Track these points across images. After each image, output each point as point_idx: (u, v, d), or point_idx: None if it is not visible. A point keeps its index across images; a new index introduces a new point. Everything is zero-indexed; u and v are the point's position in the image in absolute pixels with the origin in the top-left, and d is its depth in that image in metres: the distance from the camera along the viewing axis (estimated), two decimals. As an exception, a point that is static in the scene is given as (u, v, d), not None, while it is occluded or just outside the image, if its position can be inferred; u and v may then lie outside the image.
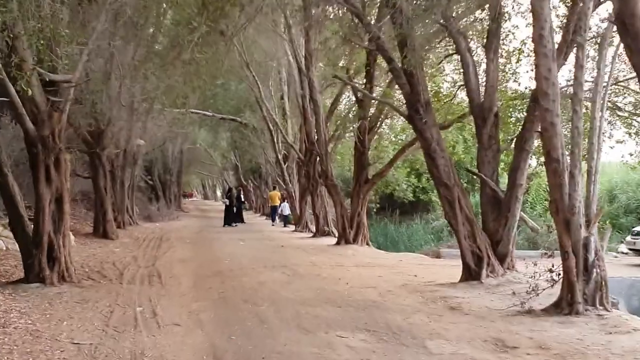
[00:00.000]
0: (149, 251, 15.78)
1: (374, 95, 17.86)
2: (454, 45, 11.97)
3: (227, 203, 29.30)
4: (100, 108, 15.64)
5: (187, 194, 73.66)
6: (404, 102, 11.35)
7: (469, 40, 12.00)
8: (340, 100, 22.49)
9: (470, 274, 10.62)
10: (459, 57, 11.84)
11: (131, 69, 15.00)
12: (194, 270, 12.53)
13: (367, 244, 18.98)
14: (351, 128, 20.25)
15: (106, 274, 11.10)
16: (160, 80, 15.59)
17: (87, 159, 19.36)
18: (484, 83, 11.24)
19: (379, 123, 18.58)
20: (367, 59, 17.44)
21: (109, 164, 21.80)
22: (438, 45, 13.07)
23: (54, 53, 8.54)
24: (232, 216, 28.97)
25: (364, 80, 18.17)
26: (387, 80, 17.56)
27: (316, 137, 19.82)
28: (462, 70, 11.95)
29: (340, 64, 18.47)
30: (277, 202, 29.46)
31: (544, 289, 8.47)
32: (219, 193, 76.17)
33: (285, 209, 29.29)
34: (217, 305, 8.74)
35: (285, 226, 28.64)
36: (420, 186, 31.76)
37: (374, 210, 30.51)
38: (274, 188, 30.99)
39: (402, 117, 18.03)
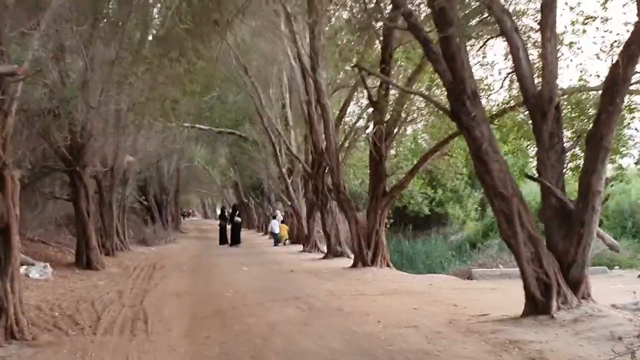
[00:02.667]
0: (138, 283, 13.56)
1: (389, 98, 15.77)
2: (496, 26, 9.83)
3: (224, 225, 27.95)
4: (78, 118, 13.52)
5: (186, 213, 71.62)
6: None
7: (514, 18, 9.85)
8: (350, 104, 20.33)
9: (536, 306, 8.38)
10: (505, 39, 9.69)
11: (110, 70, 12.96)
12: (190, 308, 10.30)
13: (388, 265, 16.76)
14: (364, 135, 18.13)
15: (78, 320, 8.85)
16: (147, 84, 13.55)
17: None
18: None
19: (397, 128, 16.38)
20: (382, 55, 15.33)
21: (96, 184, 19.71)
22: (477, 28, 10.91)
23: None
24: (234, 236, 27.36)
25: (378, 80, 16.04)
26: (408, 76, 15.45)
27: (325, 146, 17.64)
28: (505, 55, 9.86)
29: (349, 64, 16.31)
30: (286, 235, 27.57)
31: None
32: (218, 211, 74.37)
33: (275, 226, 27.40)
34: (218, 366, 6.54)
35: (275, 245, 26.88)
36: (437, 198, 29.55)
37: (387, 225, 28.35)
38: (282, 222, 28.89)
39: (422, 119, 16.02)
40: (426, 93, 13.23)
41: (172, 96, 12.96)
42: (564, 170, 9.16)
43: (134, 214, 32.46)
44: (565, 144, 9.11)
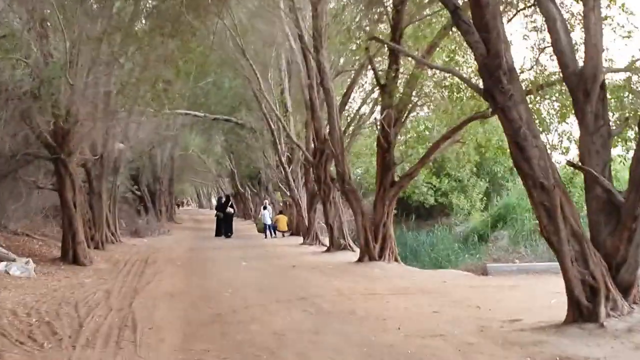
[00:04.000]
0: (128, 281, 12.44)
1: (400, 80, 14.68)
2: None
3: (221, 216, 26.81)
4: (62, 101, 12.36)
5: (180, 203, 70.59)
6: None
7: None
8: (354, 88, 19.17)
9: (581, 313, 7.32)
10: (539, 9, 8.59)
11: (98, 48, 11.80)
12: (184, 312, 9.20)
13: (396, 259, 15.70)
14: (370, 121, 17.03)
15: (57, 329, 7.71)
16: (138, 64, 12.39)
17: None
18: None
19: (407, 113, 15.26)
20: (392, 34, 14.21)
21: (85, 173, 18.59)
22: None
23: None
24: (228, 227, 26.53)
25: (387, 62, 14.95)
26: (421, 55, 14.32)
27: (328, 133, 16.50)
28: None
29: (357, 42, 15.17)
30: (285, 228, 26.44)
31: None
32: (214, 201, 73.47)
33: (266, 217, 26.37)
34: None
35: (266, 237, 25.87)
36: (442, 189, 28.44)
37: (392, 216, 27.36)
38: (280, 212, 27.66)
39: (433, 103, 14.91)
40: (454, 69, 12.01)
41: (165, 77, 11.79)
42: (611, 156, 8.07)
43: (126, 204, 31.33)
44: (612, 127, 8.04)
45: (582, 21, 9.28)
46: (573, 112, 8.26)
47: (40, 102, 11.66)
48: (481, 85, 7.75)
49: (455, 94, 12.52)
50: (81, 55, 12.79)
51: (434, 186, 28.16)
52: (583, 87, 7.74)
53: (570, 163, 8.07)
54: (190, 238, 26.21)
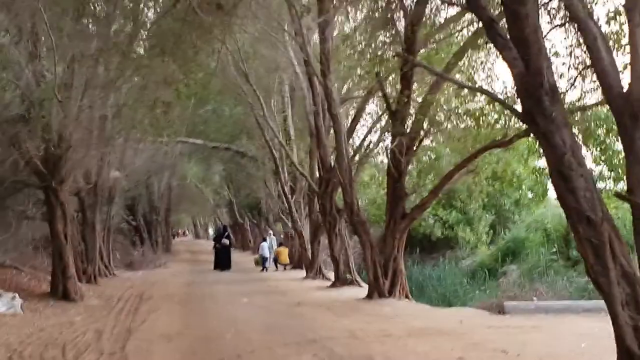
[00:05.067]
0: (121, 320, 11.50)
1: (411, 107, 13.97)
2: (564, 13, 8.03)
3: (219, 247, 25.68)
4: (54, 125, 11.58)
5: (176, 234, 69.65)
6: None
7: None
8: (362, 115, 18.46)
9: (633, 364, 6.43)
10: (576, 26, 7.84)
11: (94, 70, 11.06)
12: (183, 357, 8.28)
13: (407, 296, 14.79)
14: (378, 149, 16.28)
15: (39, 379, 6.83)
16: (136, 86, 11.64)
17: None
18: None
19: (419, 141, 14.49)
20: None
21: (78, 203, 17.73)
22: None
23: None
24: (224, 260, 25.39)
25: (398, 86, 14.24)
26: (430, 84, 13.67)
27: (336, 161, 15.69)
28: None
29: (366, 67, 14.50)
30: (287, 261, 25.46)
31: None
32: (211, 232, 72.60)
33: (264, 250, 25.34)
34: None
35: (263, 270, 24.79)
36: (450, 221, 27.54)
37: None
38: (280, 245, 26.75)
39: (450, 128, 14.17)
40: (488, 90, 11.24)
41: (165, 99, 11.03)
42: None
43: (121, 235, 30.42)
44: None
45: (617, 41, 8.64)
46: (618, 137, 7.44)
47: (30, 125, 10.84)
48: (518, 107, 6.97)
49: (480, 119, 11.75)
50: (75, 76, 12.07)
51: (441, 218, 27.28)
52: (630, 110, 6.95)
53: (618, 194, 7.23)
54: (188, 271, 25.19)
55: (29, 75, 11.68)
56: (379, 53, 12.97)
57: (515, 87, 6.81)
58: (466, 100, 13.78)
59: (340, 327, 10.77)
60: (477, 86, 9.76)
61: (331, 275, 19.83)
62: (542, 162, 15.11)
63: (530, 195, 26.00)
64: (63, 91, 11.89)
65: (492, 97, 8.98)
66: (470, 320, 12.22)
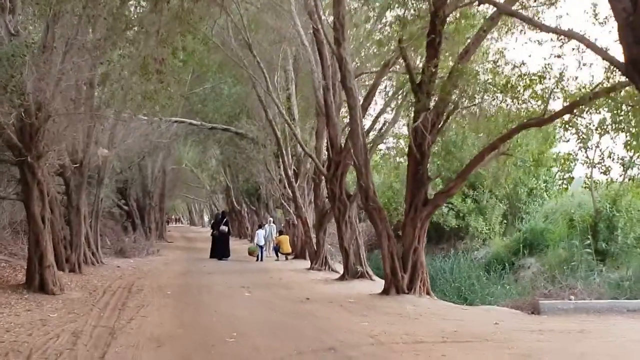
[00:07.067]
0: (104, 317, 9.86)
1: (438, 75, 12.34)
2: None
3: (217, 234, 24.09)
4: (29, 89, 9.90)
5: (171, 219, 68.24)
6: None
7: None
8: (377, 90, 16.76)
9: None
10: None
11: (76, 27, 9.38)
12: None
13: (428, 293, 13.19)
14: (396, 128, 14.64)
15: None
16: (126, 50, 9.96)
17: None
18: None
19: (446, 117, 12.84)
20: (432, 22, 11.89)
21: (64, 183, 16.08)
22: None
23: None
24: (222, 248, 23.84)
25: (424, 55, 12.62)
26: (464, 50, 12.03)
27: (351, 142, 14.01)
28: None
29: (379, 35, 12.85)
30: (289, 250, 23.85)
31: None
32: (206, 218, 71.12)
33: (260, 238, 23.90)
34: None
35: (259, 260, 23.28)
36: (465, 210, 25.91)
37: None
38: (281, 233, 25.14)
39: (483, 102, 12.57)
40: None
41: (159, 54, 9.33)
42: None
43: (112, 220, 28.73)
44: None
45: None
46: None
47: (6, 92, 9.14)
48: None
49: (534, 85, 10.14)
50: (56, 36, 10.39)
51: (455, 207, 25.66)
52: None
53: None
54: (182, 259, 23.52)
55: (1, 31, 9.99)
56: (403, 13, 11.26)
57: (619, 30, 5.14)
58: (499, 72, 12.24)
59: (359, 330, 9.21)
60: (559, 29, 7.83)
61: (338, 266, 18.24)
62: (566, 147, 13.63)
63: (558, 181, 24.25)
64: (42, 52, 10.27)
65: (581, 41, 7.04)
66: (506, 322, 10.70)
